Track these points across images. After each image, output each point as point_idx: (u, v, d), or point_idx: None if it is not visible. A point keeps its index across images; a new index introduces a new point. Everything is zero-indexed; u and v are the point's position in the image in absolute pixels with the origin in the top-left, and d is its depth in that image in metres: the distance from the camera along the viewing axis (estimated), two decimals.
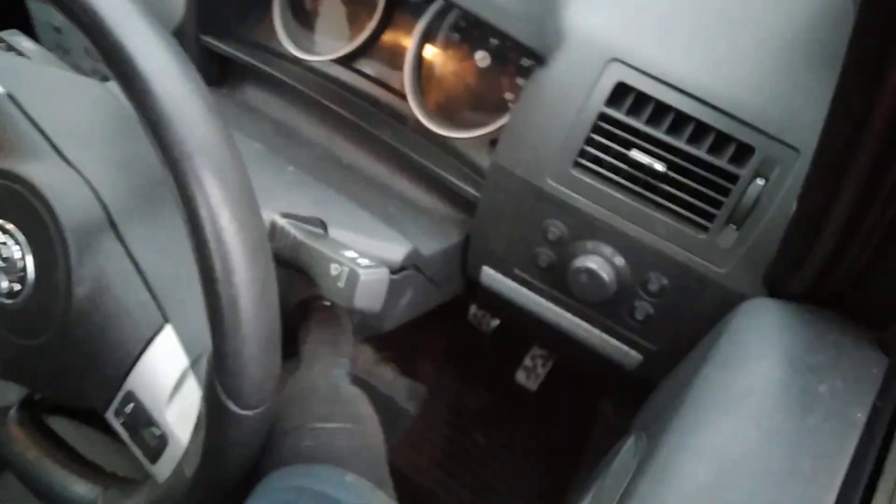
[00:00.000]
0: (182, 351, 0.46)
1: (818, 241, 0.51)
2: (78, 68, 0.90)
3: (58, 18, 0.88)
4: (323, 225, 0.57)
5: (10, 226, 0.46)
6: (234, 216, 0.37)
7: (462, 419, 1.32)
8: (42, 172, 0.46)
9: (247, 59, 0.77)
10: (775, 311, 0.55)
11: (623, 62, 0.60)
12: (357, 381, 0.53)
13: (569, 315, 0.70)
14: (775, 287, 0.57)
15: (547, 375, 1.34)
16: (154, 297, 0.47)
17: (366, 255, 0.52)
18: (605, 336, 0.69)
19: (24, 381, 0.54)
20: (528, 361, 1.35)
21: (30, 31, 0.91)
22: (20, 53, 0.67)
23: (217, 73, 0.83)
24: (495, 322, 1.31)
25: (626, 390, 0.96)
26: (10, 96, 0.49)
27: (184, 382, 0.46)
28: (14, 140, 0.48)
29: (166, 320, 0.47)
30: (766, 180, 0.57)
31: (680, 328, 0.64)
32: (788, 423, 0.45)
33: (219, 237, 0.37)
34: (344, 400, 0.49)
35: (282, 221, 0.54)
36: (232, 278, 0.37)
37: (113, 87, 0.56)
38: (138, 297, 0.46)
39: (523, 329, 0.98)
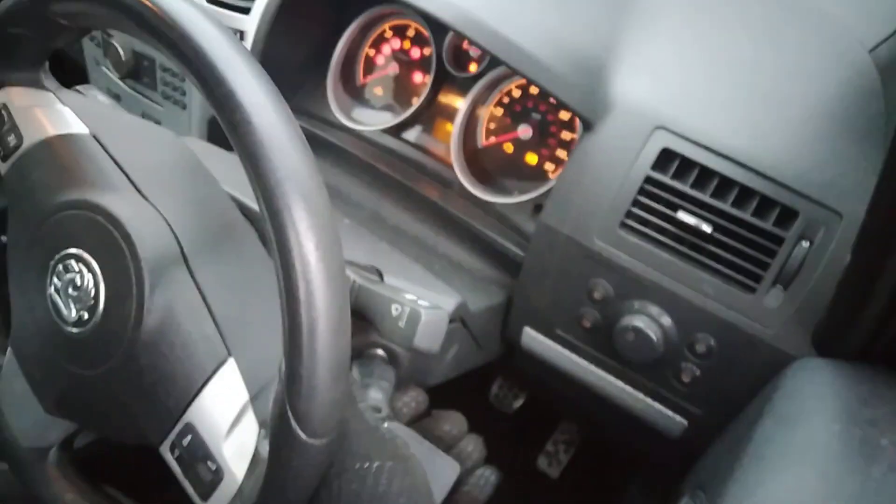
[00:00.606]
0: (243, 385, 0.47)
1: (870, 301, 0.52)
2: None
3: (119, 86, 0.93)
4: (379, 273, 0.58)
5: (86, 255, 0.48)
6: (320, 242, 0.39)
7: None
8: (122, 205, 0.48)
9: (300, 125, 0.80)
10: (828, 369, 0.55)
11: (668, 129, 0.63)
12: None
13: (612, 378, 0.69)
14: (825, 347, 0.58)
15: (569, 462, 1.30)
16: (219, 330, 0.47)
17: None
18: (649, 401, 0.68)
19: (75, 415, 0.53)
20: (549, 447, 1.32)
21: None
22: None
23: None
24: (518, 403, 1.29)
25: (658, 469, 0.93)
26: (94, 136, 0.52)
27: (243, 417, 0.46)
28: (96, 175, 0.50)
29: (229, 354, 0.47)
30: (811, 243, 0.59)
31: (726, 392, 0.64)
32: (853, 475, 0.45)
33: (304, 260, 0.38)
34: (382, 439, 0.49)
35: None
36: (314, 301, 0.38)
37: (186, 140, 0.59)
38: (204, 331, 0.47)
39: (557, 401, 0.97)
